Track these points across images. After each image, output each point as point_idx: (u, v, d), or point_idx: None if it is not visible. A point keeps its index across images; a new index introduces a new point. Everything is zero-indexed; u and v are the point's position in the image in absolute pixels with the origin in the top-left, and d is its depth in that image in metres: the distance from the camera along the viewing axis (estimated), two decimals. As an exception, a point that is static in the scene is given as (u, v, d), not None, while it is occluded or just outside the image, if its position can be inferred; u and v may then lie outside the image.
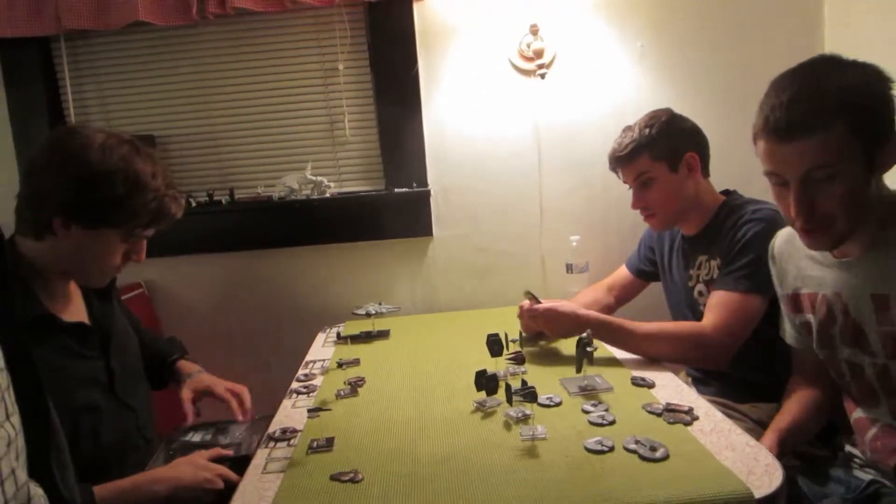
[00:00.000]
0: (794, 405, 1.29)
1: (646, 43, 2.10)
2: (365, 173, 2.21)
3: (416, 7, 2.08)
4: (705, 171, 1.66)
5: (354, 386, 1.42)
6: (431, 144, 2.14)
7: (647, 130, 1.61)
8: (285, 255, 2.21)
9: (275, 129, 2.20)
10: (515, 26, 2.05)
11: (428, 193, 2.14)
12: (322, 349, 1.80)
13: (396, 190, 2.13)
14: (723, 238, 1.55)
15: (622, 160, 1.65)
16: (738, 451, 1.02)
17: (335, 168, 2.20)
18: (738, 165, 1.76)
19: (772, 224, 1.44)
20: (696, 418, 1.16)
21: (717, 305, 1.48)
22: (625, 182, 1.69)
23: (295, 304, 2.23)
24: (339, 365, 1.59)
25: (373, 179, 2.21)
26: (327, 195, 2.12)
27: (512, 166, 2.17)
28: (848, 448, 1.27)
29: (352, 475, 1.02)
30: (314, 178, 2.11)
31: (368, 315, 1.79)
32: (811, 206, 1.06)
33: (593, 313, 1.55)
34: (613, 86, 2.12)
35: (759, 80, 1.13)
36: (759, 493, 0.89)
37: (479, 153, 2.16)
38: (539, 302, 1.61)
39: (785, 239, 1.32)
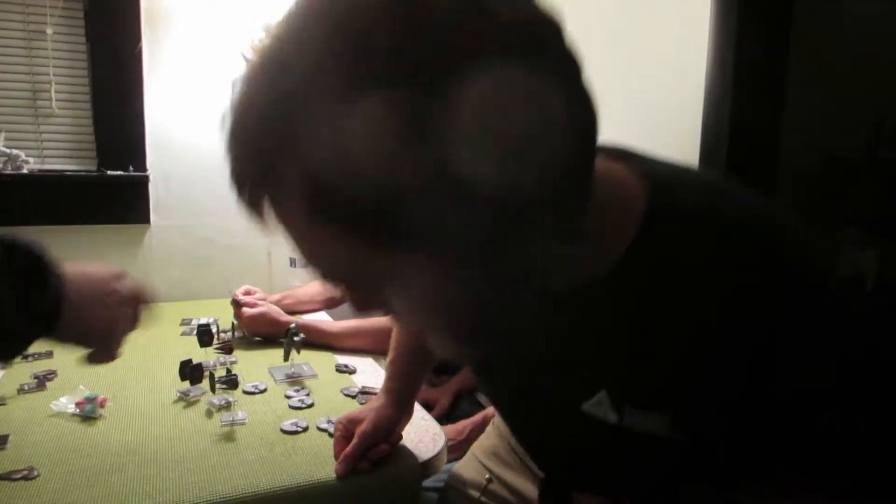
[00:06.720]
0: None
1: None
2: (74, 151, 2.02)
3: (142, -19, 1.97)
4: None
5: (42, 380, 1.32)
6: (153, 128, 2.03)
7: None
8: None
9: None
10: (249, 21, 2.05)
11: (146, 179, 2.03)
12: (7, 342, 1.61)
13: (110, 172, 1.98)
14: None
15: None
16: (415, 424, 1.17)
17: (37, 142, 1.97)
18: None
19: None
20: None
21: None
22: None
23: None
24: (25, 357, 1.45)
25: (83, 159, 2.02)
26: (24, 171, 1.90)
27: (241, 159, 2.15)
28: None
29: (25, 472, 0.97)
30: (8, 150, 1.88)
31: (68, 305, 1.66)
32: None
33: (291, 319, 1.59)
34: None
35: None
36: (423, 457, 1.05)
37: (207, 144, 2.10)
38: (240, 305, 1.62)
39: None
